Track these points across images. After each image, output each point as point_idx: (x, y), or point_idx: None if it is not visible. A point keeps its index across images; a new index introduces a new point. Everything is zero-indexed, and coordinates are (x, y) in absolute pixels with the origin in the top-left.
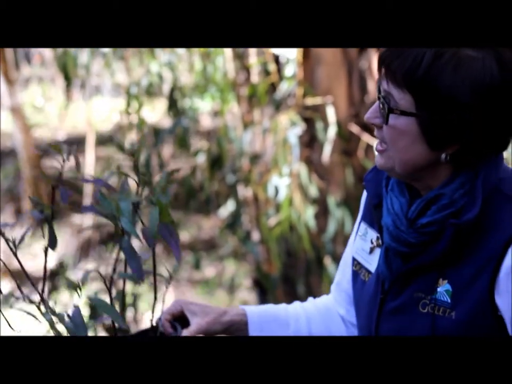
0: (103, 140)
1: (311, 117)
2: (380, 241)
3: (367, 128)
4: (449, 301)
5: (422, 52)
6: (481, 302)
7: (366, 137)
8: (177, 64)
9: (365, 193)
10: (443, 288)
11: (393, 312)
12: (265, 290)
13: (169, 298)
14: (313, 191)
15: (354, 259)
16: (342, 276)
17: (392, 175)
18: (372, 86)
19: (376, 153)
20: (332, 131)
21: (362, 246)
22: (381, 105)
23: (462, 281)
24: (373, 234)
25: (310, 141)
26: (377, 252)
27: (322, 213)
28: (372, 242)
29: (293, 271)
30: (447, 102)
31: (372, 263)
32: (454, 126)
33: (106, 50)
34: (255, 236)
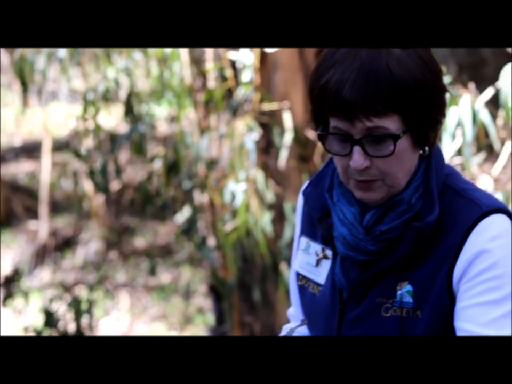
0: (59, 146)
1: (267, 123)
2: (327, 252)
3: None
4: (411, 301)
5: (380, 70)
6: (440, 296)
7: None
8: (134, 69)
9: (299, 208)
10: (404, 290)
11: (356, 320)
12: (221, 296)
13: (125, 304)
14: (269, 197)
15: (298, 274)
16: (296, 296)
17: (381, 200)
18: None
19: (361, 193)
20: (289, 137)
21: (306, 260)
22: (367, 146)
23: (423, 279)
24: (316, 247)
25: (267, 147)
26: (325, 263)
27: (279, 218)
28: (317, 255)
29: (249, 276)
30: (423, 94)
31: (320, 275)
32: (433, 114)
33: (62, 55)
34: (211, 241)
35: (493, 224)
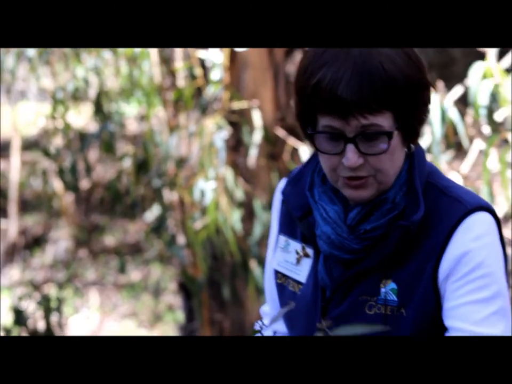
0: (28, 145)
1: (237, 121)
2: (307, 250)
3: (293, 132)
4: (395, 299)
5: (374, 69)
6: (426, 294)
7: (291, 141)
8: (103, 68)
9: (276, 206)
10: (388, 288)
11: (339, 318)
12: (190, 294)
13: (94, 302)
14: (239, 195)
15: (277, 272)
16: (272, 294)
17: (371, 198)
18: None
19: (352, 191)
20: (258, 135)
21: (285, 258)
22: (360, 143)
23: (407, 277)
24: (296, 245)
25: (236, 145)
26: (305, 261)
27: (248, 216)
28: (297, 253)
29: (218, 274)
30: (413, 91)
31: (300, 273)
32: (421, 110)
33: (31, 54)
34: (181, 239)
35: (477, 222)
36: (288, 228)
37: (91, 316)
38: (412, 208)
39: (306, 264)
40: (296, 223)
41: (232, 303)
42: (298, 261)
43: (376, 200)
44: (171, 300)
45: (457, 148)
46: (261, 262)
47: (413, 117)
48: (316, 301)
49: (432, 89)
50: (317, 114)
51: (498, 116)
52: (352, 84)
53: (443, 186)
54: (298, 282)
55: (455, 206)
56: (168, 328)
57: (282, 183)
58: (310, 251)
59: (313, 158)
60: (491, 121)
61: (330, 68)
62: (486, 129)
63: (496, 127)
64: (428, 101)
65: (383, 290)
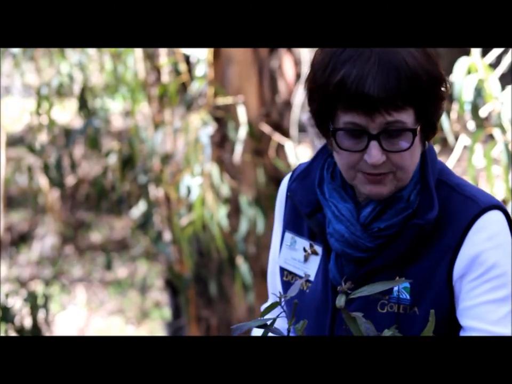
0: (13, 141)
1: (222, 117)
2: (316, 248)
3: (278, 127)
4: (408, 297)
5: (399, 65)
6: (440, 292)
7: (277, 137)
8: (88, 64)
9: (281, 203)
10: (401, 286)
11: None
12: (177, 291)
13: (81, 299)
14: (225, 191)
15: (283, 269)
16: (277, 292)
17: (388, 195)
18: (282, 86)
19: (371, 187)
20: (243, 131)
21: (292, 255)
22: (383, 140)
23: (421, 276)
24: (304, 243)
25: (222, 141)
26: (313, 259)
27: (234, 212)
28: (304, 250)
29: (205, 271)
30: (433, 86)
31: (309, 271)
32: (440, 106)
33: (16, 50)
34: (167, 236)
35: (491, 221)
36: (295, 224)
37: (78, 313)
38: (426, 206)
39: (315, 261)
40: (303, 220)
41: (218, 299)
42: (306, 258)
43: (390, 198)
44: (158, 296)
45: (442, 143)
46: (247, 258)
47: (433, 113)
48: (327, 300)
49: (448, 84)
50: (338, 111)
51: (483, 112)
52: (379, 80)
53: (454, 184)
54: (307, 280)
55: (468, 204)
56: (155, 325)
57: (286, 180)
58: (318, 248)
59: (321, 154)
60: (476, 116)
61: (355, 64)
62: (471, 124)
63: (481, 122)
64: (444, 96)
65: (395, 288)
